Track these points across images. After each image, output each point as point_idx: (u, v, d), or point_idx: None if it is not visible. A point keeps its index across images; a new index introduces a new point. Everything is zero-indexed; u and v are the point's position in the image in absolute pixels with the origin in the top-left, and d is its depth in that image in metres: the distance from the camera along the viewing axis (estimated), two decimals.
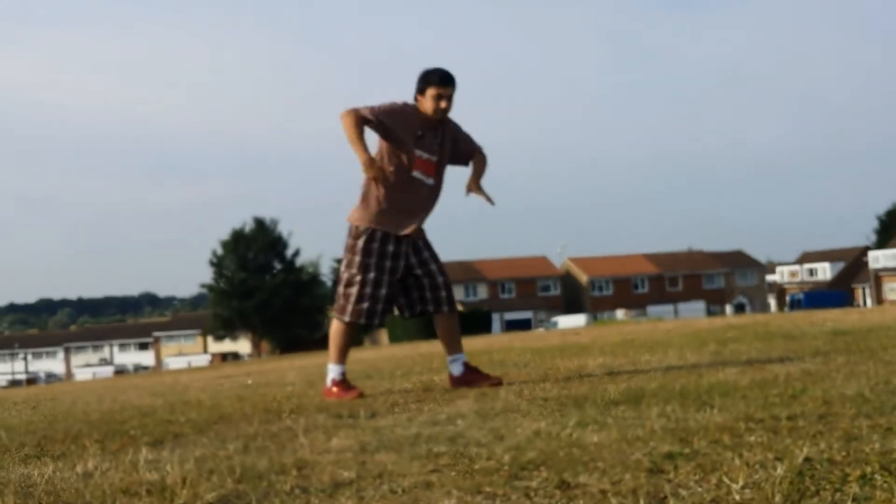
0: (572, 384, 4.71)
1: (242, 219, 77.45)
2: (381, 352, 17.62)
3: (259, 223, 67.80)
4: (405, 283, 5.11)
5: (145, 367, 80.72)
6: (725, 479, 2.13)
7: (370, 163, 4.87)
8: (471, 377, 5.12)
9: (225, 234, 67.90)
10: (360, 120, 4.88)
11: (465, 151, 5.30)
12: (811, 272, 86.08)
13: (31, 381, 69.64)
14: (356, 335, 5.32)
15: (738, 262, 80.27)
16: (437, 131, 5.13)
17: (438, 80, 5.03)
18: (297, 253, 69.09)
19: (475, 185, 5.26)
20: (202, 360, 71.39)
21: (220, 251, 67.28)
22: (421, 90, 5.05)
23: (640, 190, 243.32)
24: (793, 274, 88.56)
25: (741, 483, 2.09)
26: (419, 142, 5.04)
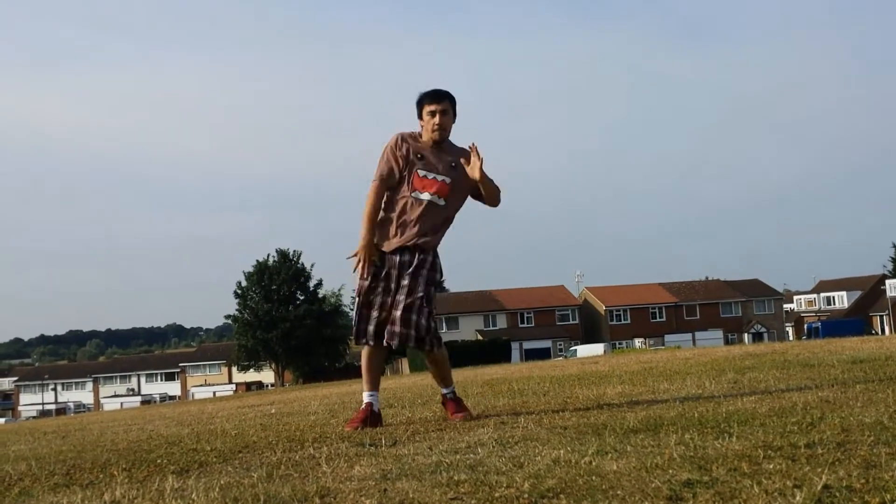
0: (591, 412, 4.74)
1: (266, 251, 77.87)
2: (402, 381, 17.60)
3: (282, 255, 68.18)
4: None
5: (172, 397, 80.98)
6: None
7: (362, 248, 4.89)
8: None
9: (249, 266, 68.33)
10: (377, 192, 4.95)
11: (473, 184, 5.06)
12: (828, 301, 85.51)
13: (61, 411, 69.93)
14: (380, 361, 5.14)
15: (755, 290, 79.75)
16: (445, 153, 5.02)
17: (430, 97, 4.98)
18: (319, 284, 69.36)
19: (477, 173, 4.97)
20: (227, 389, 71.50)
21: (244, 283, 67.62)
22: (419, 113, 5.02)
23: (657, 220, 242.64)
24: (809, 303, 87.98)
25: None
26: (421, 162, 4.95)
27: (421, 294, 4.88)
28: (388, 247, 4.96)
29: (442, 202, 4.99)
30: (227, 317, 70.14)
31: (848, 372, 6.26)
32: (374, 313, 4.91)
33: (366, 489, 2.77)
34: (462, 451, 3.47)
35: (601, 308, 76.80)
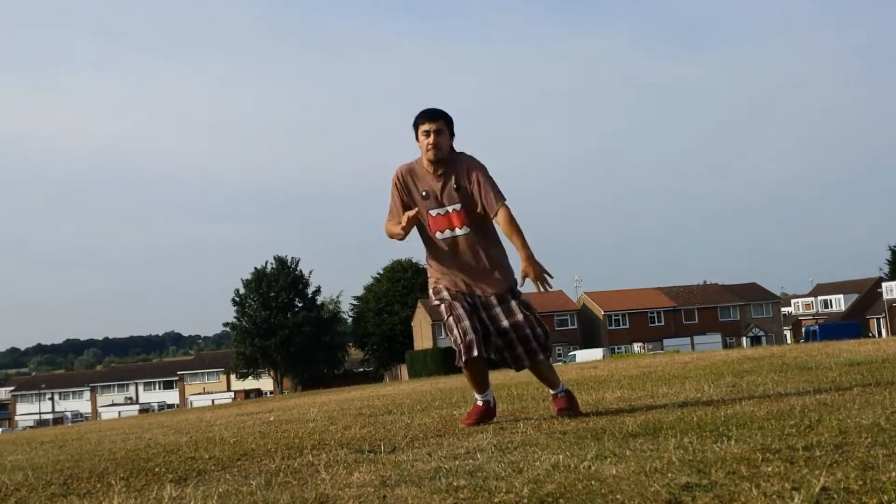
0: (590, 417, 4.74)
1: (264, 258, 77.95)
2: (401, 387, 17.60)
3: (280, 262, 68.27)
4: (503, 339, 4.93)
5: (170, 406, 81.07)
6: None
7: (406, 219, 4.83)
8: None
9: (247, 274, 68.31)
10: (387, 228, 4.99)
11: (482, 203, 4.86)
12: (825, 304, 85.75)
13: (58, 420, 70.00)
14: (484, 369, 5.06)
15: (752, 294, 79.87)
16: (446, 177, 4.89)
17: (423, 116, 4.88)
18: (318, 291, 69.44)
19: (530, 267, 4.80)
20: (225, 397, 71.54)
21: (242, 290, 67.66)
22: (415, 134, 4.92)
23: (655, 224, 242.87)
24: (807, 306, 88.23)
25: None
26: (426, 201, 4.90)
27: (523, 313, 4.94)
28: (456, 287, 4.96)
29: (464, 230, 4.90)
30: (226, 324, 70.36)
31: (845, 375, 6.26)
32: (466, 322, 4.80)
33: (365, 496, 2.77)
34: (461, 456, 3.47)
35: (600, 313, 76.85)
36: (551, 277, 4.82)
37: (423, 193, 4.90)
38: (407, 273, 77.28)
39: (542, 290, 4.88)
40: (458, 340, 4.78)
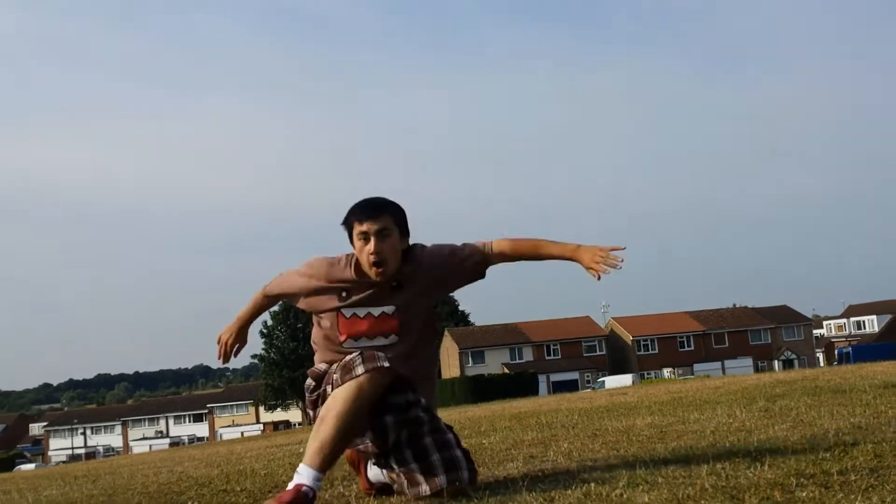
0: (621, 444, 4.71)
1: None
2: None
3: None
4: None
5: (200, 439, 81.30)
6: None
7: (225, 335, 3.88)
8: None
9: (274, 306, 68.79)
10: (261, 296, 3.85)
11: (465, 267, 3.59)
12: (858, 325, 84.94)
13: (90, 455, 70.43)
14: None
15: (783, 317, 79.21)
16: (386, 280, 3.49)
17: (356, 212, 3.46)
18: None
19: (589, 256, 3.50)
20: (254, 429, 71.74)
21: (270, 322, 67.98)
22: (349, 236, 3.51)
23: (682, 247, 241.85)
24: (839, 328, 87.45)
25: None
26: (347, 297, 3.48)
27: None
28: None
29: (391, 338, 3.50)
30: (254, 356, 70.56)
31: (880, 397, 6.20)
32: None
33: None
34: (492, 486, 3.46)
35: (628, 338, 76.44)
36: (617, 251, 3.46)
37: (344, 289, 3.52)
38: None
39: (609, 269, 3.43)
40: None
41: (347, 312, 3.48)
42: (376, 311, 3.47)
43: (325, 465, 3.15)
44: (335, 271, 3.51)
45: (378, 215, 3.40)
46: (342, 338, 3.48)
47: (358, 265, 3.48)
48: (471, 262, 3.56)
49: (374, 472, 3.59)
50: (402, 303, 3.48)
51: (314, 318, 3.62)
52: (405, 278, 3.49)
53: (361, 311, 3.47)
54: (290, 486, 3.08)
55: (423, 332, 3.56)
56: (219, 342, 3.85)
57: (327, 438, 3.13)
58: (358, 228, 3.41)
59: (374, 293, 3.47)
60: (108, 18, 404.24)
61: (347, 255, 3.52)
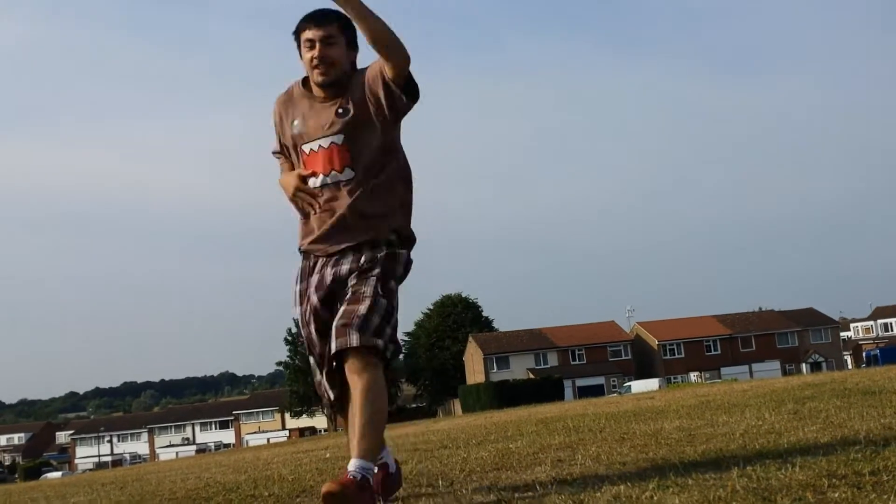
0: (650, 447, 4.69)
1: None
2: (456, 422, 17.56)
3: None
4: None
5: (226, 445, 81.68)
6: None
7: (290, 185, 3.56)
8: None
9: None
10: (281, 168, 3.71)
11: (375, 69, 3.43)
12: (886, 327, 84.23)
13: (117, 462, 70.95)
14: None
15: (810, 320, 78.63)
16: (334, 98, 3.49)
17: (304, 20, 3.48)
18: None
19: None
20: (280, 436, 72.02)
21: (294, 328, 68.20)
22: (297, 47, 3.52)
23: (707, 251, 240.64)
24: (867, 330, 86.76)
25: None
26: (300, 133, 3.52)
27: (370, 291, 3.37)
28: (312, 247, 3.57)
29: (341, 176, 3.46)
30: (279, 363, 70.82)
31: None
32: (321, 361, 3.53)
33: None
34: (521, 489, 3.46)
35: (654, 343, 76.12)
36: None
37: (293, 121, 3.55)
38: (457, 308, 77.37)
39: None
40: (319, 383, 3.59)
41: (307, 148, 3.49)
42: (326, 143, 3.46)
43: (367, 453, 3.25)
44: (289, 94, 3.58)
45: (324, 23, 3.42)
46: (307, 174, 3.48)
47: (306, 81, 3.54)
48: (377, 66, 3.41)
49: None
50: (349, 129, 3.43)
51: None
52: (346, 88, 3.45)
53: (315, 145, 3.47)
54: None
55: (377, 160, 3.47)
56: (298, 199, 3.53)
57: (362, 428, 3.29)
58: (304, 36, 3.44)
59: (322, 118, 3.46)
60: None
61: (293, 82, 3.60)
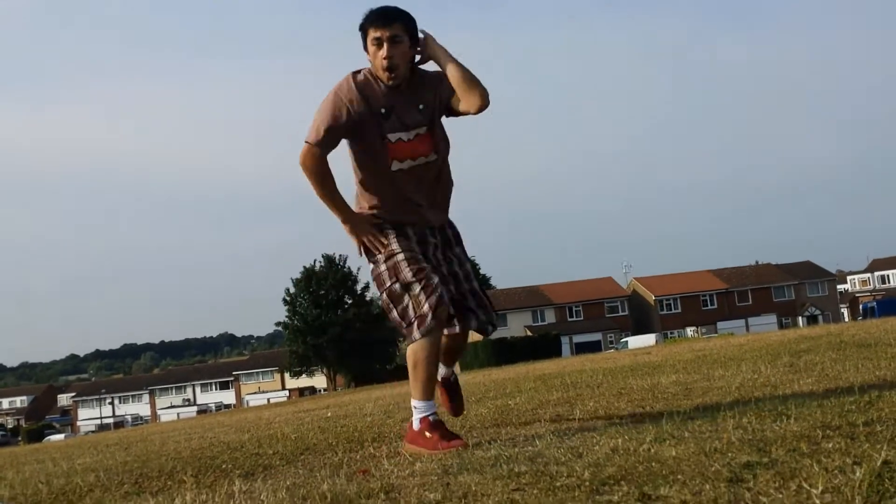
0: (647, 402, 4.75)
1: (313, 256, 78.85)
2: None
3: (329, 260, 68.69)
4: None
5: (226, 406, 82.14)
6: (805, 486, 2.16)
7: (353, 226, 3.82)
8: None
9: (297, 273, 69.01)
10: (318, 160, 3.74)
11: (448, 88, 3.75)
12: (882, 279, 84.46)
13: (119, 424, 71.35)
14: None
15: (806, 273, 78.76)
16: (410, 90, 3.76)
17: (371, 19, 3.67)
18: (366, 287, 69.68)
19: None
20: (280, 396, 72.38)
21: (293, 289, 68.28)
22: (363, 43, 3.72)
23: (703, 205, 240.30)
24: (864, 282, 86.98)
25: (821, 488, 2.11)
26: (387, 123, 3.71)
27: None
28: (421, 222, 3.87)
29: (432, 157, 3.83)
30: (278, 324, 70.94)
31: None
32: (435, 282, 3.64)
33: (429, 484, 2.82)
34: (520, 443, 3.51)
35: (650, 298, 76.32)
36: None
37: (383, 111, 3.71)
38: None
39: None
40: (422, 298, 3.62)
41: (393, 137, 3.73)
42: (411, 134, 3.75)
43: (430, 395, 3.72)
44: (365, 89, 3.70)
45: (391, 23, 3.64)
46: (389, 162, 3.74)
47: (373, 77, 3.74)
48: (450, 91, 3.73)
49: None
50: (430, 121, 3.77)
51: (353, 148, 3.81)
52: (426, 99, 3.76)
53: (403, 135, 3.74)
54: (416, 420, 3.70)
55: (446, 148, 3.89)
56: (362, 242, 3.82)
57: (424, 376, 3.69)
58: (372, 34, 3.65)
59: (406, 116, 3.73)
60: None
61: (360, 70, 3.76)
